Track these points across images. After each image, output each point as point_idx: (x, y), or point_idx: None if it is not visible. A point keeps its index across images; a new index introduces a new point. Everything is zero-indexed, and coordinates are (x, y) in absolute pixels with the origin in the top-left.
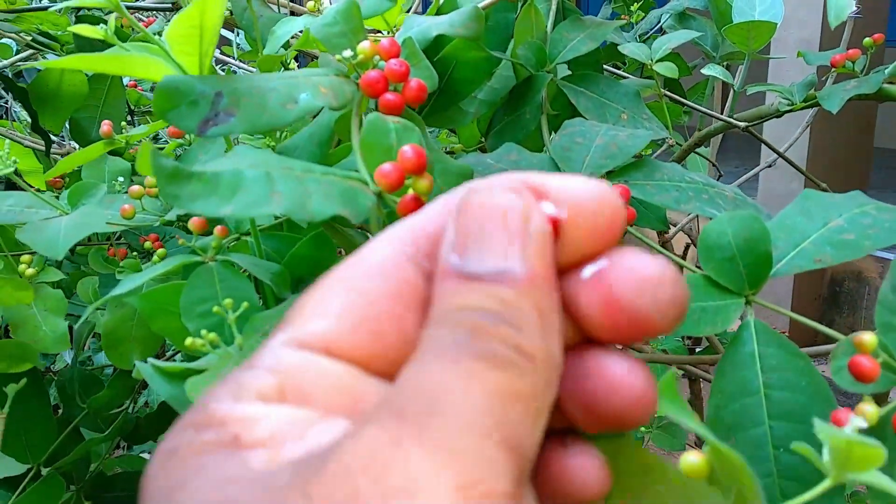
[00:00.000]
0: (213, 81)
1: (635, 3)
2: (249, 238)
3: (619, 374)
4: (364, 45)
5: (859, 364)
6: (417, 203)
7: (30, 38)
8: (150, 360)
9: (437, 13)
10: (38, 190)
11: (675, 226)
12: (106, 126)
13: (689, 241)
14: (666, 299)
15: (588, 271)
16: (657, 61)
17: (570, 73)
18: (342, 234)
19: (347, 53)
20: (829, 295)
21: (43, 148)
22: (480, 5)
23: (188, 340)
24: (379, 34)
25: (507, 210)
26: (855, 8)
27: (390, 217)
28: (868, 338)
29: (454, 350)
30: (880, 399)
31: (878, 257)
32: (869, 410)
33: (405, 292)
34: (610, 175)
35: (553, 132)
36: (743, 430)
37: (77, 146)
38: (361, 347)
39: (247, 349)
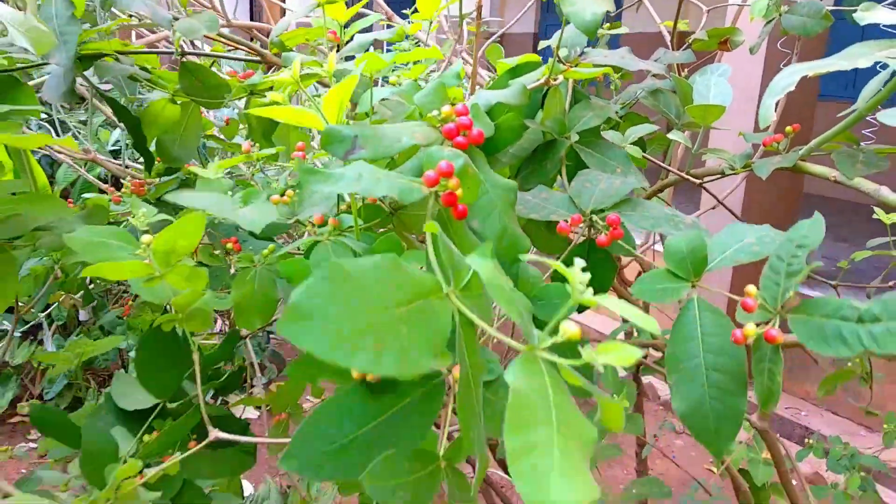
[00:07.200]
0: (352, 129)
1: (616, 75)
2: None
3: None
4: (446, 108)
5: (745, 303)
6: (452, 196)
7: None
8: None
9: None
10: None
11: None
12: (246, 145)
13: (641, 270)
14: None
15: None
16: (629, 144)
17: (578, 137)
18: (405, 237)
19: (435, 113)
20: None
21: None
22: (529, 86)
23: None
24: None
25: None
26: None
27: (445, 210)
28: (751, 288)
29: None
30: None
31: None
32: (750, 328)
33: None
34: (609, 209)
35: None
36: (687, 360)
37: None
38: None
39: None
